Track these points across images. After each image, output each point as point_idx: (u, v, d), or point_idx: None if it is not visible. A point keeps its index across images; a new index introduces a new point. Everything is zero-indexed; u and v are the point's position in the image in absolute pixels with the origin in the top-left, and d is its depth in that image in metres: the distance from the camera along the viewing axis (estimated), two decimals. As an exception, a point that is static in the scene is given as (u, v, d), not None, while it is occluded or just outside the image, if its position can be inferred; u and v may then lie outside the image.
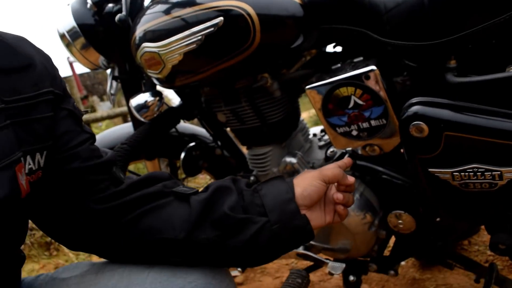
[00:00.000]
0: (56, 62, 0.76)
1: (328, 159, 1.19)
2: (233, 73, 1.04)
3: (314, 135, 1.35)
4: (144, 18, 1.09)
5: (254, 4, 0.94)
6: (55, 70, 0.75)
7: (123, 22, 1.09)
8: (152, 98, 1.26)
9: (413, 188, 1.03)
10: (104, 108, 9.01)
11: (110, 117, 5.16)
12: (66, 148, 0.72)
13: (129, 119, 1.53)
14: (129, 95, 1.35)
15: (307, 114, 4.13)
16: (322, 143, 1.29)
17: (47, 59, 0.74)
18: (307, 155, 1.27)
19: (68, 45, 1.34)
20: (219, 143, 1.47)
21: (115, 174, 0.78)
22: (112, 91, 1.43)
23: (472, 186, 0.76)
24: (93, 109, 7.94)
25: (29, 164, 0.64)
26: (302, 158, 1.21)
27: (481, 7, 0.73)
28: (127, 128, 1.59)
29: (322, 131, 1.33)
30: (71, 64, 9.84)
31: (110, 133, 1.64)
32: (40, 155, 0.66)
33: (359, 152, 1.04)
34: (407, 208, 1.07)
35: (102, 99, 10.83)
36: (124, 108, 4.59)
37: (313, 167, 1.22)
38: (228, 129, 1.39)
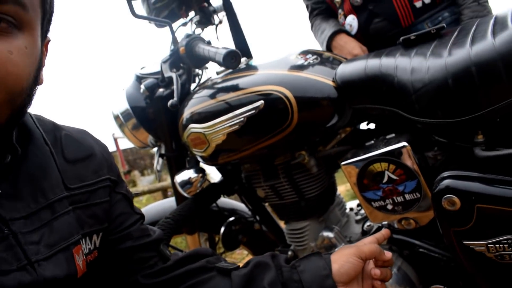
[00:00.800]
0: (102, 138, 0.85)
1: (365, 233, 1.21)
2: (272, 151, 1.11)
3: (351, 209, 1.38)
4: (191, 102, 1.20)
5: (291, 88, 1.03)
6: (111, 158, 0.83)
7: (174, 107, 1.20)
8: (195, 175, 1.34)
9: (451, 261, 1.03)
10: (144, 182, 9.25)
11: (150, 191, 5.30)
12: (120, 229, 0.80)
13: (169, 193, 1.61)
14: (174, 171, 1.43)
15: (344, 187, 4.13)
16: (359, 217, 1.32)
17: (104, 149, 0.83)
18: (344, 229, 1.29)
19: (121, 126, 1.46)
20: (257, 218, 1.51)
21: (162, 251, 0.84)
22: (159, 168, 1.53)
23: (508, 257, 0.77)
24: (134, 183, 8.15)
25: (88, 245, 0.71)
26: (339, 232, 1.24)
27: (502, 84, 0.78)
28: (169, 202, 1.66)
29: (358, 205, 1.36)
30: (115, 140, 10.30)
31: (153, 207, 1.72)
32: (97, 236, 0.73)
33: (395, 225, 1.07)
34: (447, 282, 1.06)
35: (143, 174, 11.16)
36: (164, 183, 4.73)
37: (350, 242, 1.23)
38: (266, 204, 1.44)
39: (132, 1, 1.14)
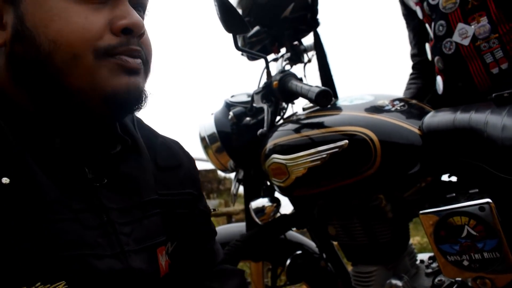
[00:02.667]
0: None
1: (435, 288, 1.18)
2: (350, 191, 1.13)
3: (422, 261, 1.35)
4: (276, 133, 1.25)
5: (377, 131, 1.05)
6: (196, 172, 0.86)
7: (263, 136, 1.26)
8: (270, 204, 1.38)
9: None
10: (210, 205, 9.45)
11: (216, 215, 5.43)
12: (195, 243, 0.81)
13: (233, 220, 1.66)
14: (248, 197, 1.49)
15: (416, 240, 3.98)
16: (429, 270, 1.28)
17: (191, 163, 0.85)
18: (413, 280, 1.26)
19: (205, 147, 1.54)
20: (324, 255, 1.51)
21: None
22: (235, 192, 1.59)
23: None
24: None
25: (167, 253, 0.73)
26: (408, 282, 1.21)
27: None
28: (238, 227, 1.71)
29: (430, 258, 1.32)
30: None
31: (224, 229, 1.77)
32: (171, 244, 0.75)
33: (469, 284, 1.03)
34: None
35: (208, 197, 11.39)
36: (229, 209, 4.82)
37: (418, 293, 1.21)
38: (335, 243, 1.44)
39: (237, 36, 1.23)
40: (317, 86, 1.09)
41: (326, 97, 1.06)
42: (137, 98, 0.61)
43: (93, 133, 0.64)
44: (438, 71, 1.35)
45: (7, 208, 0.50)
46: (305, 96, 1.11)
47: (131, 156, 0.70)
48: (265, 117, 1.28)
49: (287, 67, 1.50)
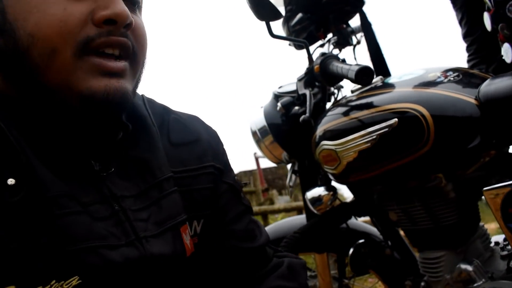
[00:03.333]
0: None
1: (510, 271, 1.08)
2: (406, 172, 1.07)
3: (497, 243, 1.24)
4: (325, 119, 1.21)
5: (428, 106, 0.98)
6: (219, 145, 0.81)
7: (306, 122, 1.22)
8: (326, 192, 1.34)
9: None
10: (281, 201, 9.47)
11: (286, 210, 5.42)
12: (224, 221, 0.76)
13: (304, 213, 1.63)
14: (305, 188, 1.45)
15: (494, 225, 3.72)
16: (505, 252, 1.18)
17: (212, 136, 0.81)
18: (486, 264, 1.16)
19: (257, 141, 1.53)
20: (389, 243, 1.44)
21: (266, 255, 0.80)
22: (291, 184, 1.56)
23: None
24: (272, 202, 8.38)
25: (196, 232, 0.72)
26: (480, 266, 1.12)
27: None
28: (300, 219, 1.68)
29: (505, 239, 1.22)
30: (256, 159, 10.76)
31: (284, 222, 1.75)
32: (197, 223, 0.72)
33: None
34: None
35: (280, 193, 11.42)
36: (300, 203, 4.79)
37: (492, 278, 1.11)
38: (400, 229, 1.37)
39: (270, 22, 1.21)
40: (357, 65, 1.04)
41: (367, 75, 1.00)
42: (117, 101, 0.57)
43: (89, 124, 0.61)
44: (504, 38, 1.25)
45: (15, 208, 0.50)
46: (345, 76, 1.06)
47: (139, 138, 0.69)
48: (307, 103, 1.24)
49: (335, 51, 1.45)
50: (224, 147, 0.84)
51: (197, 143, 0.76)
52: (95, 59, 0.55)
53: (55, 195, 0.52)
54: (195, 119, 0.81)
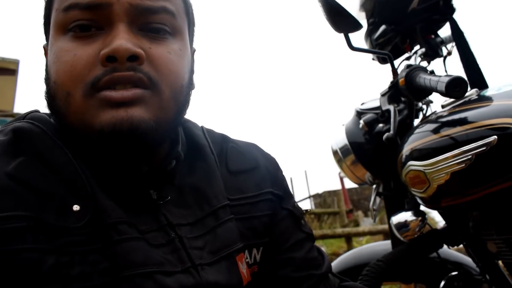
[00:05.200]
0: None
1: None
2: (507, 197, 0.93)
3: None
4: (412, 137, 1.11)
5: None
6: (277, 172, 0.81)
7: (390, 140, 1.13)
8: (413, 218, 1.22)
9: None
10: (366, 223, 9.13)
11: (371, 233, 5.18)
12: (283, 249, 0.75)
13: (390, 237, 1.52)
14: (391, 212, 1.34)
15: None
16: None
17: (271, 162, 0.82)
18: None
19: (339, 161, 1.45)
20: (487, 276, 1.28)
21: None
22: (375, 207, 1.46)
23: None
24: (356, 223, 8.13)
25: (246, 258, 0.70)
26: None
27: None
28: (384, 245, 1.56)
29: None
30: (341, 179, 10.52)
31: (367, 248, 1.64)
32: (257, 251, 0.72)
33: None
34: None
35: (366, 215, 11.06)
36: (386, 226, 4.56)
37: None
38: (500, 262, 1.21)
39: (349, 34, 1.14)
40: (447, 75, 0.93)
41: (459, 86, 0.89)
42: (125, 131, 0.55)
43: (140, 156, 0.62)
44: None
45: (79, 233, 0.53)
46: (434, 89, 0.96)
47: (197, 166, 0.70)
48: (392, 120, 1.14)
49: (423, 64, 1.34)
50: (283, 173, 0.85)
51: (255, 170, 0.77)
52: (103, 93, 0.56)
53: (115, 221, 0.55)
54: (253, 147, 0.83)
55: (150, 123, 0.57)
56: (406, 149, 1.11)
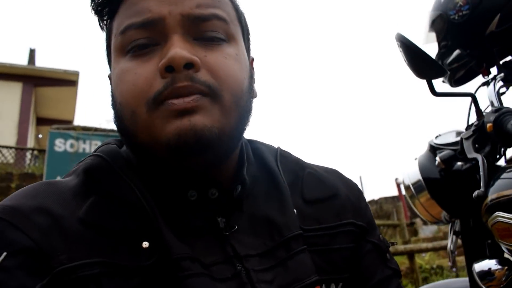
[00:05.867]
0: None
1: None
2: None
3: None
4: (500, 183, 1.01)
5: None
6: (360, 201, 0.76)
7: (481, 198, 1.03)
8: (499, 267, 1.12)
9: None
10: (426, 232, 8.76)
11: (434, 249, 4.95)
12: (368, 287, 0.70)
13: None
14: (470, 256, 1.25)
15: None
16: None
17: (352, 190, 0.77)
18: None
19: (411, 197, 1.37)
20: None
21: None
22: (452, 247, 1.36)
23: None
24: (416, 233, 7.84)
25: None
26: None
27: None
28: (462, 282, 1.45)
29: None
30: (398, 185, 10.16)
31: (444, 284, 1.54)
32: (335, 286, 0.66)
33: None
34: None
35: (425, 223, 10.65)
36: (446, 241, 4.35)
37: None
38: None
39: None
40: None
41: None
42: (191, 141, 0.55)
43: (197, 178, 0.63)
44: None
45: (148, 271, 0.54)
46: None
47: (268, 193, 0.68)
48: (481, 173, 1.04)
49: (503, 89, 1.24)
50: (366, 201, 0.79)
51: (334, 199, 0.73)
52: (166, 103, 0.57)
53: (178, 258, 0.55)
54: (332, 173, 0.79)
55: (213, 130, 0.57)
56: (493, 195, 1.01)
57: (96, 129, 8.04)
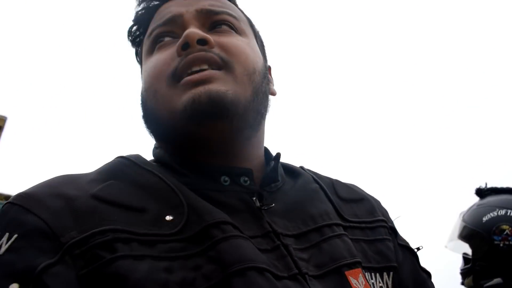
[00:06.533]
0: None
1: None
2: None
3: None
4: None
5: None
6: (384, 208, 0.79)
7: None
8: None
9: None
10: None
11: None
12: (404, 285, 0.69)
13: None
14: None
15: None
16: None
17: (377, 201, 0.80)
18: None
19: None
20: None
21: None
22: None
23: None
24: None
25: (379, 283, 0.63)
26: None
27: None
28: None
29: None
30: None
31: None
32: (388, 276, 0.66)
33: None
34: None
35: None
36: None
37: None
38: None
39: None
40: None
41: None
42: (205, 102, 0.59)
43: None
44: None
45: (176, 240, 0.52)
46: None
47: (298, 187, 0.70)
48: None
49: None
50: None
51: (364, 201, 0.76)
52: (183, 80, 0.62)
53: (218, 221, 0.54)
54: (355, 186, 0.82)
55: (228, 94, 0.60)
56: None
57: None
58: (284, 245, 0.58)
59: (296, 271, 0.56)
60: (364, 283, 0.60)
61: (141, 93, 0.69)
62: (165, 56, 0.65)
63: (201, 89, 0.59)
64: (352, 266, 0.61)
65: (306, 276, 0.56)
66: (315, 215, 0.65)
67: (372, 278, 0.63)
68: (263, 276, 0.51)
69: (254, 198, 0.62)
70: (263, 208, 0.62)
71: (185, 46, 0.62)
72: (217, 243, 0.52)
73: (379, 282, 0.64)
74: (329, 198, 0.71)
